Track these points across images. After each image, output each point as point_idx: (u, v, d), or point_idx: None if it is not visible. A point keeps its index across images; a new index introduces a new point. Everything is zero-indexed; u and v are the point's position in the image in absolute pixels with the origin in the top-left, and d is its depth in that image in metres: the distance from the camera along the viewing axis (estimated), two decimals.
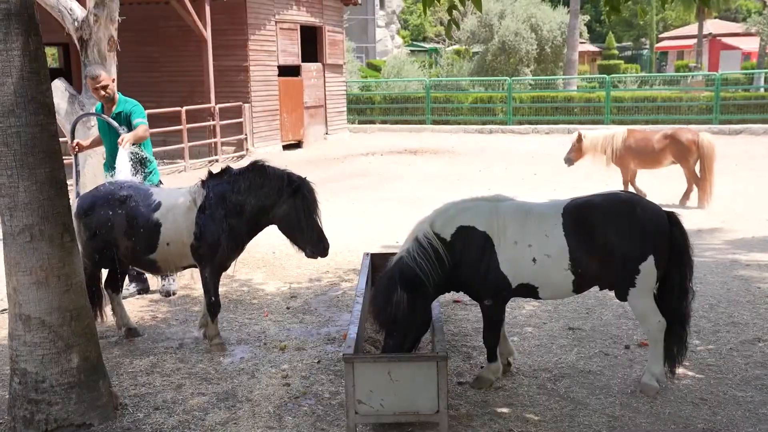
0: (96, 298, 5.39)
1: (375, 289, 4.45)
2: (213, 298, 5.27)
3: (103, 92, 6.33)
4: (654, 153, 10.46)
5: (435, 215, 4.47)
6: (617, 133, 10.71)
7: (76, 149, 6.57)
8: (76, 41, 9.01)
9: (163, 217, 5.17)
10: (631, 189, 10.57)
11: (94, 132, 8.96)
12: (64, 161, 4.30)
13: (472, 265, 4.35)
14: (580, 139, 10.75)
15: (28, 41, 3.88)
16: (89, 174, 9.01)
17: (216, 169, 5.36)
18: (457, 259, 4.35)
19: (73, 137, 6.58)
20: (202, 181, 5.22)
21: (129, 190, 5.32)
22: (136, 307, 6.48)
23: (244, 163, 16.49)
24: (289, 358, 5.18)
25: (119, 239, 5.22)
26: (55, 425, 4.06)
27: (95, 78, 6.32)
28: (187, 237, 5.13)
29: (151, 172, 6.47)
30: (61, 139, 4.31)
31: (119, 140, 5.96)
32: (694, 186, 10.44)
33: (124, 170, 5.82)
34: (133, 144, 6.04)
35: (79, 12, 8.96)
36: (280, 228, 5.15)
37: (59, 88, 8.85)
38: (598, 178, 11.72)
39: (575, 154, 10.83)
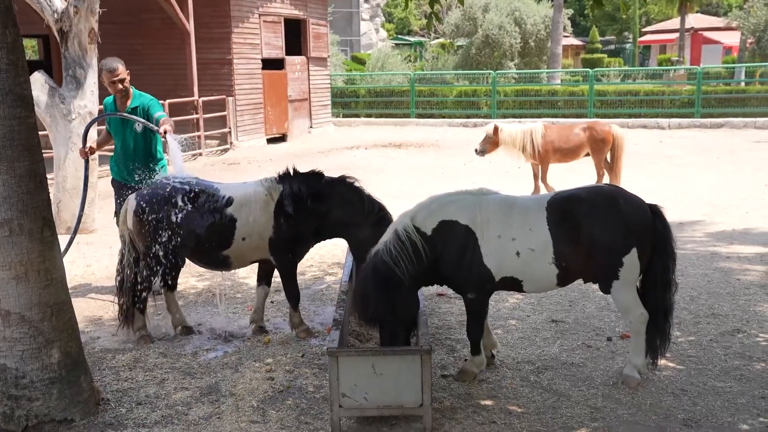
0: (145, 300, 5.35)
1: (355, 286, 4.45)
2: (293, 289, 5.36)
3: (120, 86, 6.14)
4: (574, 146, 10.49)
5: (417, 209, 4.47)
6: (535, 128, 10.57)
7: (88, 153, 6.35)
8: (56, 33, 8.91)
9: (237, 213, 5.14)
10: (542, 185, 10.59)
11: (76, 125, 8.88)
12: (44, 155, 4.26)
13: (454, 259, 4.35)
14: (496, 131, 10.46)
15: (5, 33, 3.83)
16: (70, 168, 8.94)
17: (303, 168, 5.37)
18: (437, 253, 4.35)
19: (85, 141, 6.34)
20: (280, 176, 5.24)
21: (192, 186, 5.23)
22: None
23: (228, 156, 16.36)
24: (273, 352, 5.17)
25: (189, 237, 5.13)
26: (36, 421, 4.03)
27: (113, 71, 6.09)
28: (266, 231, 5.14)
29: (160, 169, 6.37)
30: (41, 133, 4.27)
31: (161, 130, 5.80)
32: (604, 175, 10.58)
33: (178, 157, 5.72)
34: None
35: (59, 3, 8.86)
36: (351, 245, 5.35)
37: (39, 81, 8.75)
38: (580, 171, 11.78)
39: (490, 146, 10.59)
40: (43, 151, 4.20)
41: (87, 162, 6.54)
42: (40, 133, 4.19)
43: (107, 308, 6.26)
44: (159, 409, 4.33)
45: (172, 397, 4.47)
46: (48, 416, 4.05)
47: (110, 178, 6.55)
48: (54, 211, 7.64)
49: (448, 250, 4.34)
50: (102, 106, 6.63)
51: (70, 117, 8.85)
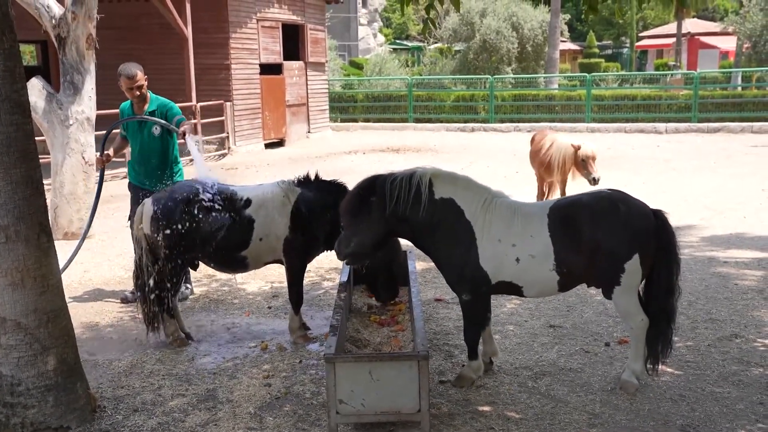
0: (170, 305, 5.33)
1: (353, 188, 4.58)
2: (298, 292, 5.40)
3: (138, 92, 6.16)
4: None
5: (448, 172, 4.51)
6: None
7: (105, 162, 6.32)
8: (53, 39, 8.91)
9: (255, 214, 5.20)
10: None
11: (74, 131, 8.87)
12: (41, 160, 4.25)
13: (446, 242, 4.36)
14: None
15: (3, 39, 3.82)
16: (67, 174, 8.93)
17: (325, 176, 5.46)
18: (434, 221, 4.34)
19: (104, 149, 6.26)
20: (300, 180, 5.34)
21: (210, 188, 5.25)
22: (116, 307, 6.43)
23: (226, 161, 16.29)
24: (270, 358, 5.15)
25: (207, 240, 5.15)
26: (32, 428, 4.01)
27: (132, 77, 6.10)
28: (282, 231, 5.21)
29: (177, 173, 6.40)
30: (38, 138, 4.26)
31: (180, 131, 5.82)
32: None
33: (197, 157, 5.71)
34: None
35: (57, 9, 8.86)
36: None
37: (36, 87, 8.74)
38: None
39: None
40: (40, 156, 4.19)
41: (103, 170, 6.48)
42: (37, 138, 4.18)
43: (104, 314, 6.25)
44: (156, 416, 4.31)
45: (168, 404, 4.46)
46: (44, 423, 4.03)
47: (109, 183, 6.52)
48: (51, 217, 7.62)
49: (443, 228, 4.35)
50: (119, 111, 6.55)
51: (68, 123, 8.84)
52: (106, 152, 6.31)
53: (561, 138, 9.38)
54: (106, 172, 6.76)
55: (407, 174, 4.39)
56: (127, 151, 6.95)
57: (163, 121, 6.07)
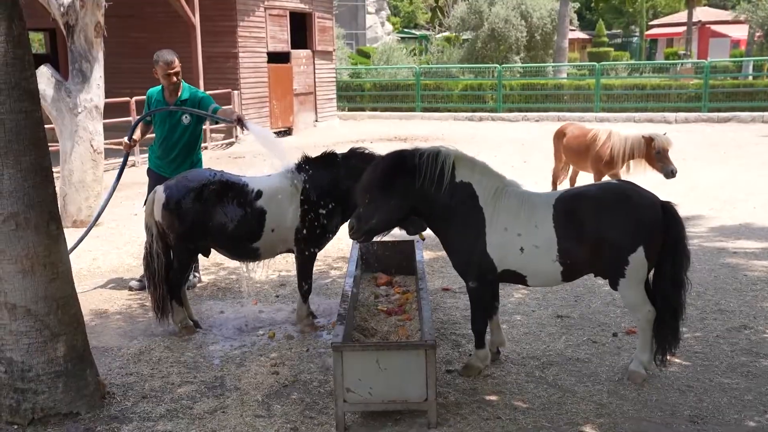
0: (178, 292, 5.36)
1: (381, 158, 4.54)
2: (308, 281, 5.41)
3: (174, 78, 6.15)
4: None
5: (471, 158, 4.49)
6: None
7: (131, 146, 6.29)
8: (62, 27, 8.92)
9: (266, 204, 5.19)
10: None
11: (82, 119, 8.89)
12: (50, 148, 4.26)
13: (455, 227, 4.36)
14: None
15: (12, 27, 3.83)
16: (76, 162, 8.96)
17: (314, 153, 5.44)
18: (450, 203, 4.33)
19: (132, 134, 6.23)
20: (298, 166, 5.32)
21: (221, 178, 5.26)
22: (124, 294, 6.46)
23: (233, 150, 16.28)
24: (277, 347, 5.17)
25: (218, 230, 5.16)
26: (42, 414, 4.04)
27: (170, 63, 6.12)
28: (292, 222, 5.21)
29: (197, 162, 6.43)
30: (47, 126, 4.27)
31: (235, 118, 5.84)
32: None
33: (269, 140, 5.78)
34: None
35: None
36: None
37: (45, 75, 8.76)
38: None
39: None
40: (49, 144, 4.20)
41: (127, 155, 6.47)
42: (46, 126, 4.20)
43: (112, 302, 6.29)
44: (164, 402, 4.34)
45: (177, 391, 4.49)
46: (54, 409, 4.07)
47: (116, 171, 6.51)
48: (60, 204, 7.64)
49: (458, 212, 4.34)
50: (146, 96, 6.53)
51: (77, 111, 8.86)
52: (133, 137, 6.29)
53: (620, 130, 8.81)
54: (113, 160, 6.76)
55: (433, 151, 4.38)
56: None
57: (217, 116, 6.07)
